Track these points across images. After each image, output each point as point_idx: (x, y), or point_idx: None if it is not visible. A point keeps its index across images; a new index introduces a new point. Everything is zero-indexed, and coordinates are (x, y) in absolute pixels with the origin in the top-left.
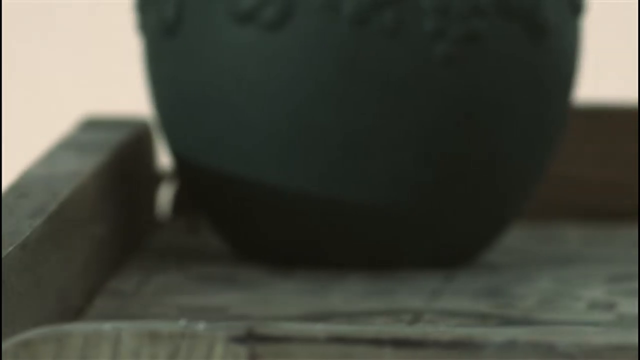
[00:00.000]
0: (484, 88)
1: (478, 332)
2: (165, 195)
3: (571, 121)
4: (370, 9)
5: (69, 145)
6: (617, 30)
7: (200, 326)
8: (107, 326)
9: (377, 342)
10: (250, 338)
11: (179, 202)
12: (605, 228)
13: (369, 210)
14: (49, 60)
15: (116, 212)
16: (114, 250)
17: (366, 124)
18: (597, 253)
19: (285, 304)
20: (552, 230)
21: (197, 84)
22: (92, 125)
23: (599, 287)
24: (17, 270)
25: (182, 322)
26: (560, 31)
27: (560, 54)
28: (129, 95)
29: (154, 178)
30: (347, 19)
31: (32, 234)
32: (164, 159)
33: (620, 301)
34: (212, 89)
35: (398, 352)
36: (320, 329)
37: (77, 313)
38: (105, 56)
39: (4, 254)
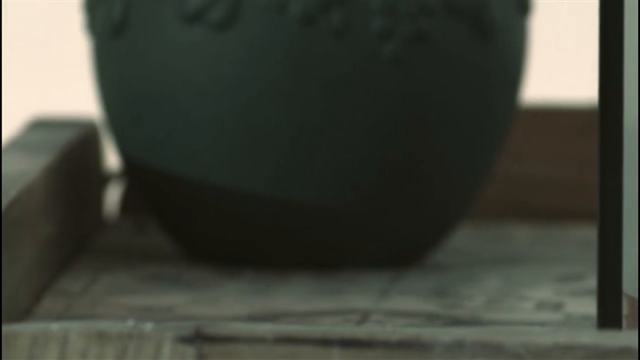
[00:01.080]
0: (431, 88)
1: (426, 332)
2: (113, 195)
3: (518, 121)
4: (317, 9)
5: (17, 145)
6: (564, 30)
7: (148, 326)
8: (55, 326)
9: (325, 342)
10: (198, 338)
11: (127, 202)
12: (552, 228)
13: (316, 210)
14: None
15: (64, 213)
16: (61, 250)
17: (313, 124)
18: (544, 253)
19: (232, 304)
20: (499, 230)
21: (144, 84)
22: (40, 126)
23: (547, 287)
24: None
25: (130, 322)
26: (507, 31)
27: (507, 54)
28: (76, 95)
29: (102, 178)
30: (294, 19)
31: None
32: (111, 159)
33: (568, 301)
34: (159, 89)
35: (346, 352)
36: (267, 329)
37: (24, 313)
38: (53, 57)
39: None
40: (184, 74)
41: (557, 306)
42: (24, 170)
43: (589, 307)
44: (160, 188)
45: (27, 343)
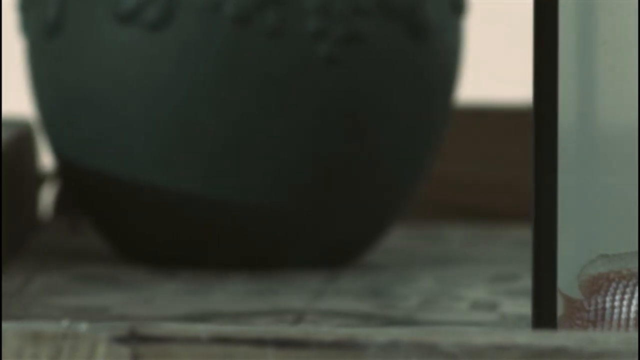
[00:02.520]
0: (366, 88)
1: (361, 332)
2: (47, 196)
3: (453, 121)
4: (252, 9)
5: None
6: (499, 30)
7: (83, 326)
8: None
9: (260, 342)
10: (132, 338)
11: (61, 202)
12: (487, 228)
13: (250, 211)
14: None
15: None
16: None
17: (248, 124)
18: (479, 253)
19: (167, 304)
20: (434, 230)
21: (79, 84)
22: None
23: (482, 287)
24: None
25: (65, 323)
26: (442, 31)
27: (442, 54)
28: (11, 96)
29: (36, 178)
30: (229, 19)
31: None
32: (46, 159)
33: (503, 301)
34: (93, 89)
35: (281, 352)
36: (202, 329)
37: None
38: None
39: None
40: (119, 74)
41: (492, 306)
42: None
43: (524, 307)
44: (94, 188)
45: None
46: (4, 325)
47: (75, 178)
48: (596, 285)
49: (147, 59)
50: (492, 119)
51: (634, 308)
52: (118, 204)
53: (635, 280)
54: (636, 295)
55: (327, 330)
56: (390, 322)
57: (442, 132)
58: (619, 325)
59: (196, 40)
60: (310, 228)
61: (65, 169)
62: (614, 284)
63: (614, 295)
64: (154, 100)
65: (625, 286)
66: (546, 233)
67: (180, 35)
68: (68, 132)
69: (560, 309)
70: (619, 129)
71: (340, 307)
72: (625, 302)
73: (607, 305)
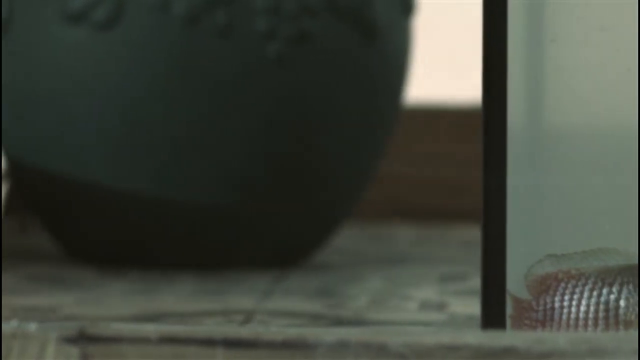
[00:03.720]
0: (315, 88)
1: (310, 332)
2: None
3: (402, 121)
4: (201, 8)
5: None
6: (448, 30)
7: (32, 326)
8: None
9: (209, 342)
10: (82, 338)
11: (11, 202)
12: (436, 228)
13: (200, 210)
14: None
15: None
16: None
17: (197, 124)
18: (428, 253)
19: (116, 304)
20: (383, 230)
21: (28, 83)
22: None
23: (430, 287)
24: None
25: (14, 323)
26: (390, 31)
27: (391, 54)
28: None
29: None
30: (178, 19)
31: None
32: None
33: (452, 301)
34: (43, 88)
35: (230, 352)
36: (151, 329)
37: None
38: None
39: None
40: (68, 73)
41: (441, 306)
42: None
43: (473, 307)
44: (43, 188)
45: None
46: None
47: (24, 178)
48: (544, 285)
49: (96, 59)
50: (441, 119)
51: (583, 308)
52: (67, 204)
53: (584, 280)
54: (585, 295)
55: (277, 330)
56: (339, 322)
57: (390, 132)
58: (567, 325)
59: (145, 40)
60: (260, 228)
61: (15, 168)
62: (562, 284)
63: (562, 295)
64: (103, 100)
65: (575, 286)
66: (495, 233)
67: (130, 35)
68: (17, 132)
69: (510, 309)
70: (569, 129)
71: (290, 307)
72: (574, 302)
73: (556, 305)
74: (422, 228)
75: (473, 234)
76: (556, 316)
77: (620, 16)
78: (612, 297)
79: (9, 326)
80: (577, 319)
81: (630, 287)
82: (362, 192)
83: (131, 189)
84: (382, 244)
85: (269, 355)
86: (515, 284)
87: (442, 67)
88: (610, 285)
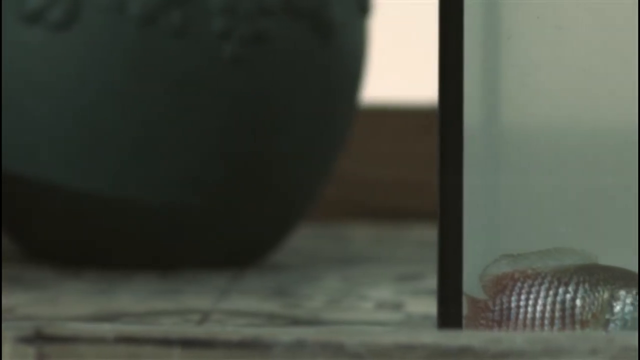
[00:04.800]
0: (271, 87)
1: (267, 332)
2: None
3: (359, 120)
4: (157, 9)
5: None
6: (404, 30)
7: None
8: None
9: (166, 342)
10: (38, 338)
11: None
12: (392, 228)
13: (156, 210)
14: None
15: None
16: None
17: (154, 124)
18: (384, 253)
19: (73, 304)
20: (339, 230)
21: None
22: None
23: (387, 287)
24: None
25: None
26: (347, 31)
27: (347, 54)
28: None
29: None
30: (134, 19)
31: None
32: None
33: (408, 301)
34: None
35: (186, 352)
36: (108, 329)
37: None
38: None
39: None
40: (24, 74)
41: (397, 306)
42: None
43: (429, 306)
44: (0, 188)
45: None
46: None
47: None
48: (500, 285)
49: (52, 59)
50: (397, 119)
51: (539, 307)
52: (24, 205)
53: (541, 279)
54: (542, 294)
55: (233, 330)
56: (296, 321)
57: (347, 132)
58: (524, 324)
59: (101, 40)
60: (216, 228)
61: None
62: (519, 284)
63: (519, 294)
64: (60, 100)
65: (531, 286)
66: (451, 233)
67: (85, 35)
68: None
69: (466, 309)
70: (525, 128)
71: (246, 307)
72: (530, 302)
73: (513, 304)
74: (378, 228)
75: (429, 233)
76: (512, 316)
77: (577, 16)
78: (568, 296)
79: None
80: (533, 318)
81: (586, 286)
82: (319, 192)
83: (88, 189)
84: (339, 244)
85: (226, 355)
86: (471, 283)
87: (399, 66)
88: (567, 284)
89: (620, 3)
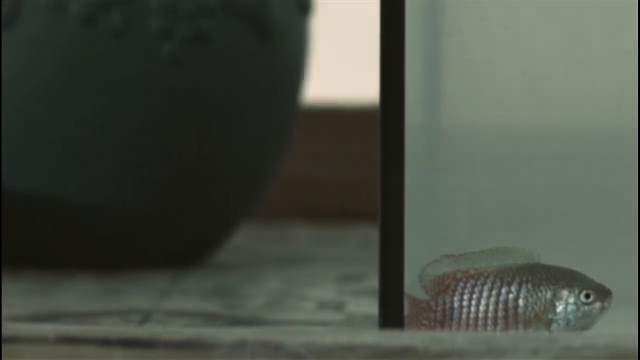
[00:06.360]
0: (212, 88)
1: (208, 332)
2: None
3: (301, 120)
4: (97, 9)
5: None
6: (345, 31)
7: None
8: None
9: (107, 342)
10: None
11: None
12: (333, 228)
13: (96, 210)
14: None
15: None
16: None
17: (93, 124)
18: (326, 253)
19: (13, 304)
20: (281, 230)
21: None
22: None
23: (328, 287)
24: None
25: None
26: (288, 31)
27: (288, 54)
28: None
29: None
30: (74, 19)
31: None
32: None
33: (350, 301)
34: None
35: (128, 352)
36: (49, 329)
37: None
38: None
39: None
40: None
41: (339, 306)
42: None
43: (371, 307)
44: None
45: None
46: None
47: None
48: (443, 285)
49: None
50: (339, 118)
51: (482, 308)
52: None
53: (484, 279)
54: (485, 294)
55: (175, 331)
56: (237, 322)
57: (289, 132)
58: (467, 325)
59: (42, 39)
60: (157, 228)
61: None
62: (461, 284)
63: (462, 295)
64: None
65: (474, 286)
66: (393, 233)
67: (26, 35)
68: None
69: (407, 309)
70: (467, 128)
71: (188, 307)
72: (474, 302)
73: (456, 305)
74: (320, 228)
75: (370, 233)
76: (456, 316)
77: (524, 16)
78: (512, 296)
79: None
80: (476, 318)
81: (530, 286)
82: (260, 192)
83: (27, 188)
84: (280, 244)
85: (167, 356)
86: (413, 284)
87: (340, 66)
88: (509, 284)
89: (571, 4)
